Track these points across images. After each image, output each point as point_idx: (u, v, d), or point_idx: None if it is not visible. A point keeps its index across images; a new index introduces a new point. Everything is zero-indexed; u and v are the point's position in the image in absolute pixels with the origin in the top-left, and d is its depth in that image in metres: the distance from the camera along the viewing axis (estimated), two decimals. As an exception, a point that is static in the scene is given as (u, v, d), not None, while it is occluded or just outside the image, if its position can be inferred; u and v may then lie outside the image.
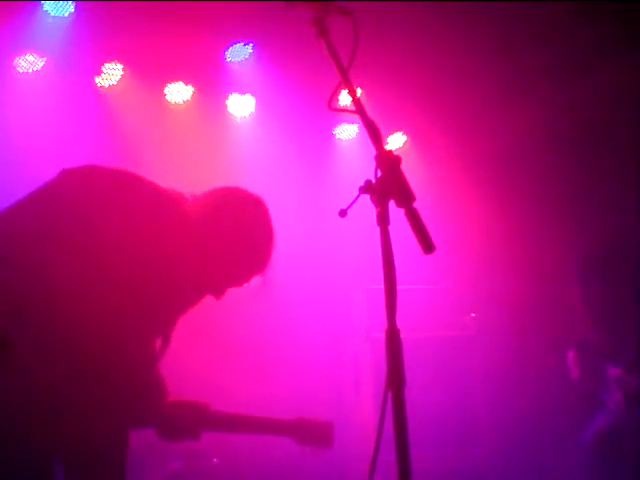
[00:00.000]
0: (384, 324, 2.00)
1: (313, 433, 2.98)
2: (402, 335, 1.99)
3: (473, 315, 5.91)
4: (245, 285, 2.79)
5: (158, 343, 2.72)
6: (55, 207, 2.52)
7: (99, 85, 5.62)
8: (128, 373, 2.52)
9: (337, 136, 6.64)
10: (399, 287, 1.98)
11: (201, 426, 2.90)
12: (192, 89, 5.91)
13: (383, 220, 2.01)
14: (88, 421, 2.40)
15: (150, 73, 5.66)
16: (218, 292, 2.78)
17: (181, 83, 5.88)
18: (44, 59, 5.32)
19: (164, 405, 2.81)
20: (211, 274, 2.70)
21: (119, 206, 2.53)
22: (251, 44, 5.68)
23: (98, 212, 2.49)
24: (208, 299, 2.85)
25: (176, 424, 2.83)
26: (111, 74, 5.61)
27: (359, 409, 5.69)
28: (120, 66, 5.59)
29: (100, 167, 2.64)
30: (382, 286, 1.99)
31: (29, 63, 5.32)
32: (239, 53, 5.73)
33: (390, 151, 2.05)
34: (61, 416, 2.37)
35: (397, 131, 6.56)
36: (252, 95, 6.09)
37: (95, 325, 2.40)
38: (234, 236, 2.69)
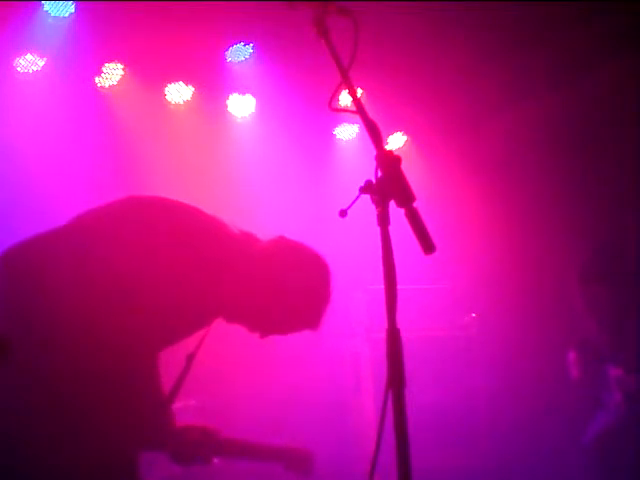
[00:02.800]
0: (384, 324, 2.00)
1: (296, 461, 3.21)
2: (402, 335, 1.99)
3: (473, 315, 5.92)
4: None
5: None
6: (114, 234, 2.54)
7: (99, 85, 5.62)
8: (142, 394, 2.56)
9: (337, 136, 6.64)
10: (399, 287, 1.98)
11: (212, 453, 2.99)
12: (192, 89, 5.91)
13: (383, 220, 2.01)
14: (97, 436, 2.41)
15: (150, 73, 5.66)
16: (262, 332, 2.81)
17: (181, 83, 5.87)
18: (44, 59, 5.32)
19: (173, 428, 2.82)
20: (259, 320, 2.74)
21: (171, 239, 2.54)
22: (251, 44, 5.68)
23: (156, 244, 2.51)
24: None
25: (187, 451, 2.88)
26: (111, 74, 5.60)
27: (359, 409, 5.68)
28: (120, 66, 5.59)
29: (164, 199, 2.66)
30: (382, 286, 1.99)
31: (29, 63, 5.32)
32: (239, 53, 5.73)
33: (390, 151, 2.05)
34: (68, 430, 2.37)
35: (397, 131, 6.56)
36: (252, 95, 6.09)
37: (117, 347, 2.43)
38: (295, 287, 2.73)
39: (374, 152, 2.03)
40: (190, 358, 2.81)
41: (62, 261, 2.46)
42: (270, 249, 2.73)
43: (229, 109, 6.12)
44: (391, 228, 2.00)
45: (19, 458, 2.35)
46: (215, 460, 5.17)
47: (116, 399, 2.43)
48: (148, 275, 2.45)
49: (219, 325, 2.87)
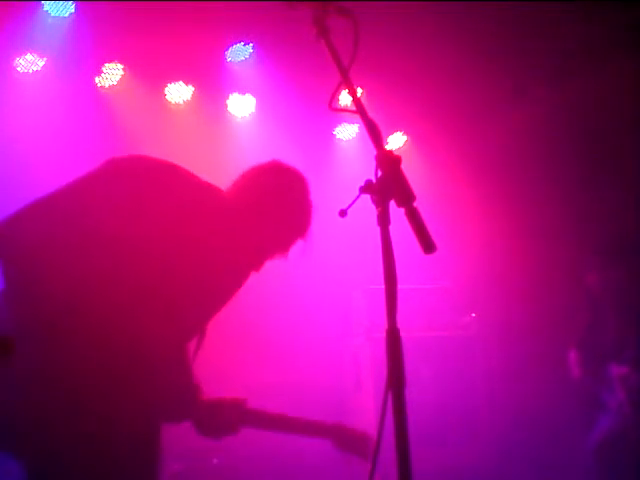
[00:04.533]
0: (384, 324, 2.00)
1: (353, 440, 3.07)
2: (402, 335, 1.99)
3: (473, 315, 5.92)
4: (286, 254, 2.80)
5: (195, 337, 2.73)
6: (104, 194, 2.52)
7: (99, 85, 5.63)
8: (168, 366, 2.56)
9: (337, 136, 6.65)
10: (399, 287, 1.98)
11: (241, 422, 2.90)
12: (192, 89, 5.91)
13: (383, 220, 2.01)
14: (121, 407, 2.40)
15: (150, 73, 5.67)
16: (261, 262, 2.79)
17: (181, 83, 5.88)
18: (44, 59, 5.32)
19: (202, 401, 2.80)
20: (257, 245, 2.74)
21: (169, 194, 2.57)
22: (251, 44, 5.68)
23: (148, 200, 2.52)
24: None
25: (218, 422, 2.82)
26: (111, 74, 5.61)
27: (359, 409, 5.68)
28: (120, 66, 5.59)
29: (146, 157, 2.69)
30: (382, 286, 1.99)
31: (29, 63, 5.32)
32: (239, 53, 5.73)
33: (390, 151, 2.05)
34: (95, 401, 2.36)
35: (397, 131, 6.56)
36: (252, 95, 6.09)
37: (143, 315, 2.42)
38: (275, 200, 2.76)
39: (374, 152, 2.03)
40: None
41: (57, 233, 2.43)
42: (248, 180, 2.83)
43: (229, 109, 6.12)
44: (391, 228, 2.00)
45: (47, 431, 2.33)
46: (215, 460, 5.18)
47: (138, 370, 2.42)
48: (160, 236, 2.47)
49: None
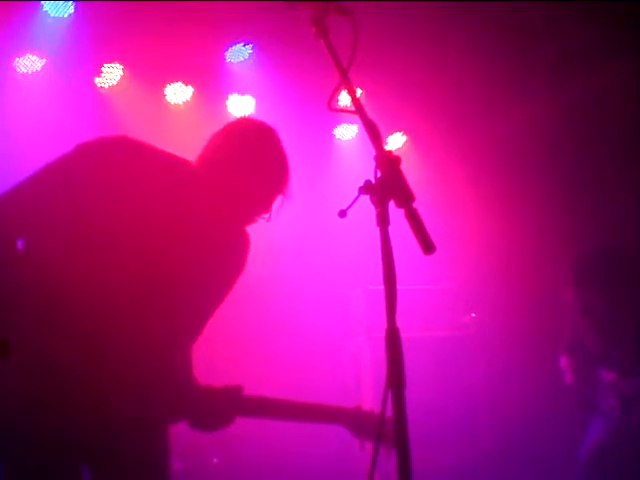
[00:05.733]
0: (384, 324, 2.00)
1: (371, 424, 2.73)
2: (402, 335, 1.99)
3: (473, 315, 5.92)
4: (269, 214, 2.73)
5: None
6: (76, 180, 2.52)
7: (99, 86, 5.63)
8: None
9: (337, 136, 6.64)
10: (399, 287, 1.98)
11: (237, 412, 2.77)
12: (192, 89, 5.91)
13: (383, 220, 2.00)
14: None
15: (150, 73, 5.67)
16: (245, 224, 2.74)
17: (181, 83, 5.88)
18: (44, 59, 5.32)
19: (197, 393, 2.70)
20: (238, 208, 2.68)
21: (145, 176, 2.56)
22: (251, 44, 5.68)
23: (128, 184, 2.50)
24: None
25: (210, 413, 2.70)
26: (111, 74, 5.61)
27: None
28: (120, 66, 5.59)
29: (110, 137, 2.63)
30: (382, 286, 1.99)
31: (29, 63, 5.32)
32: (239, 53, 5.73)
33: (390, 151, 2.05)
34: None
35: (397, 131, 6.56)
36: (252, 96, 6.09)
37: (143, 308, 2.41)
38: (244, 158, 2.72)
39: (373, 152, 2.03)
40: None
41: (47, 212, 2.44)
42: (214, 145, 2.82)
43: (229, 109, 6.12)
44: (391, 228, 2.00)
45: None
46: (215, 460, 5.18)
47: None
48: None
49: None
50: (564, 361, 4.95)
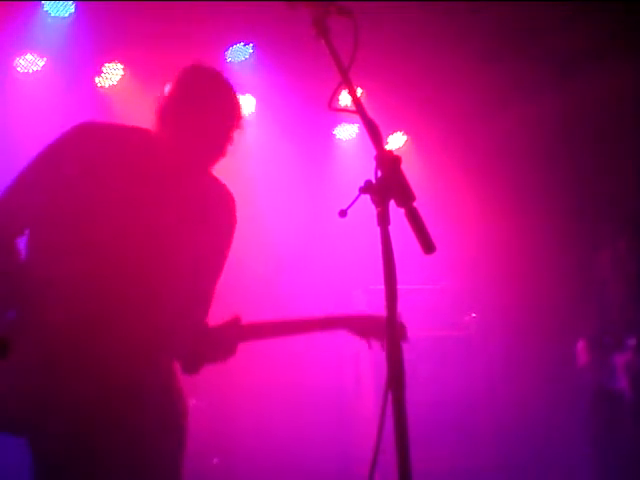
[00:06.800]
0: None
1: (369, 323, 2.79)
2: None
3: (473, 315, 5.92)
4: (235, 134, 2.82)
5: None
6: (57, 175, 2.62)
7: (99, 85, 5.62)
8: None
9: (337, 136, 6.65)
10: (399, 287, 1.98)
11: (240, 338, 2.82)
12: (192, 89, 5.90)
13: (383, 220, 2.00)
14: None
15: (150, 73, 5.66)
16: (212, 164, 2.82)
17: (181, 83, 5.87)
18: (44, 59, 5.32)
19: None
20: (199, 150, 2.78)
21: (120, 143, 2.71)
22: (251, 44, 5.68)
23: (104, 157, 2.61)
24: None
25: (217, 343, 2.77)
26: (111, 74, 5.61)
27: (359, 409, 5.69)
28: (120, 66, 5.59)
29: (72, 128, 2.77)
30: (382, 286, 1.99)
31: (29, 63, 5.32)
32: (239, 53, 5.73)
33: (390, 151, 2.05)
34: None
35: (397, 131, 6.56)
36: (252, 95, 6.09)
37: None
38: (191, 102, 2.80)
39: (374, 152, 2.03)
40: None
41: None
42: (159, 105, 2.91)
43: (229, 109, 6.11)
44: (391, 228, 2.00)
45: None
46: (215, 460, 5.18)
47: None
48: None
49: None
50: (581, 344, 4.97)
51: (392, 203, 1.99)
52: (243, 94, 6.10)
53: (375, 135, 2.06)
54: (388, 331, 2.00)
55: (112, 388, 2.40)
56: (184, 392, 2.65)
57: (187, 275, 2.58)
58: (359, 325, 2.85)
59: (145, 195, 2.56)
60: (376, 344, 2.75)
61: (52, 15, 5.10)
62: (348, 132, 6.60)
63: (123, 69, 5.60)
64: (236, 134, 2.82)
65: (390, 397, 1.94)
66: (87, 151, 2.62)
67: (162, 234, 2.55)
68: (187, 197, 2.64)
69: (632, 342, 4.79)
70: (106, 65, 5.57)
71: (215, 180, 2.80)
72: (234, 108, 2.80)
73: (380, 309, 2.04)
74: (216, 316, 2.74)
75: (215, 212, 2.72)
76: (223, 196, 2.78)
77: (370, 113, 2.10)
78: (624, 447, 4.69)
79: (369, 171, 2.02)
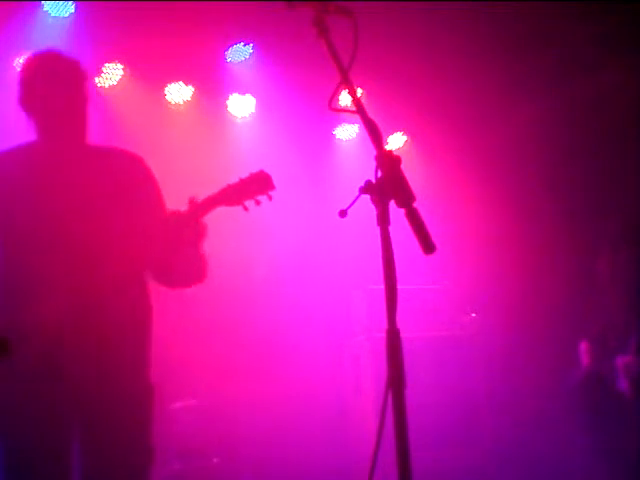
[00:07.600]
0: (384, 324, 2.00)
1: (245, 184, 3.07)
2: (402, 335, 1.99)
3: (473, 315, 5.91)
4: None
5: None
6: None
7: (99, 85, 5.62)
8: None
9: (337, 136, 6.65)
10: (399, 287, 1.98)
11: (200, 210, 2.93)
12: (192, 89, 5.91)
13: (383, 220, 2.00)
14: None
15: (150, 73, 5.67)
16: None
17: (181, 83, 5.88)
18: (44, 59, 5.31)
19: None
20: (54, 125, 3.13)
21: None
22: (251, 44, 5.69)
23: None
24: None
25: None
26: (111, 74, 5.61)
27: (359, 409, 5.68)
28: (120, 66, 5.59)
29: None
30: (382, 286, 1.99)
31: (29, 63, 5.31)
32: (239, 53, 5.74)
33: (390, 151, 2.05)
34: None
35: (397, 131, 6.56)
36: (252, 95, 6.09)
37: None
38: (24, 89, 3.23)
39: (374, 152, 2.03)
40: None
41: None
42: None
43: (229, 109, 6.12)
44: (391, 228, 2.00)
45: None
46: (215, 460, 5.18)
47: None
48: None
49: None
50: (584, 346, 4.98)
51: (392, 203, 1.99)
52: (243, 94, 6.11)
53: (375, 135, 2.06)
54: (388, 331, 2.00)
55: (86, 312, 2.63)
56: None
57: (133, 226, 2.80)
58: (235, 194, 3.05)
59: (56, 194, 2.85)
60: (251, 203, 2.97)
61: (52, 15, 5.10)
62: (348, 132, 6.60)
63: (123, 69, 5.60)
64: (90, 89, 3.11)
65: (390, 397, 1.94)
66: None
67: (88, 212, 2.80)
68: (88, 175, 2.94)
69: (633, 343, 4.79)
70: (106, 65, 5.57)
71: (100, 147, 3.12)
72: (59, 73, 3.11)
73: (380, 309, 2.04)
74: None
75: (121, 169, 3.01)
76: (117, 155, 3.09)
77: (370, 113, 2.10)
78: (617, 433, 4.69)
79: (369, 171, 2.02)
